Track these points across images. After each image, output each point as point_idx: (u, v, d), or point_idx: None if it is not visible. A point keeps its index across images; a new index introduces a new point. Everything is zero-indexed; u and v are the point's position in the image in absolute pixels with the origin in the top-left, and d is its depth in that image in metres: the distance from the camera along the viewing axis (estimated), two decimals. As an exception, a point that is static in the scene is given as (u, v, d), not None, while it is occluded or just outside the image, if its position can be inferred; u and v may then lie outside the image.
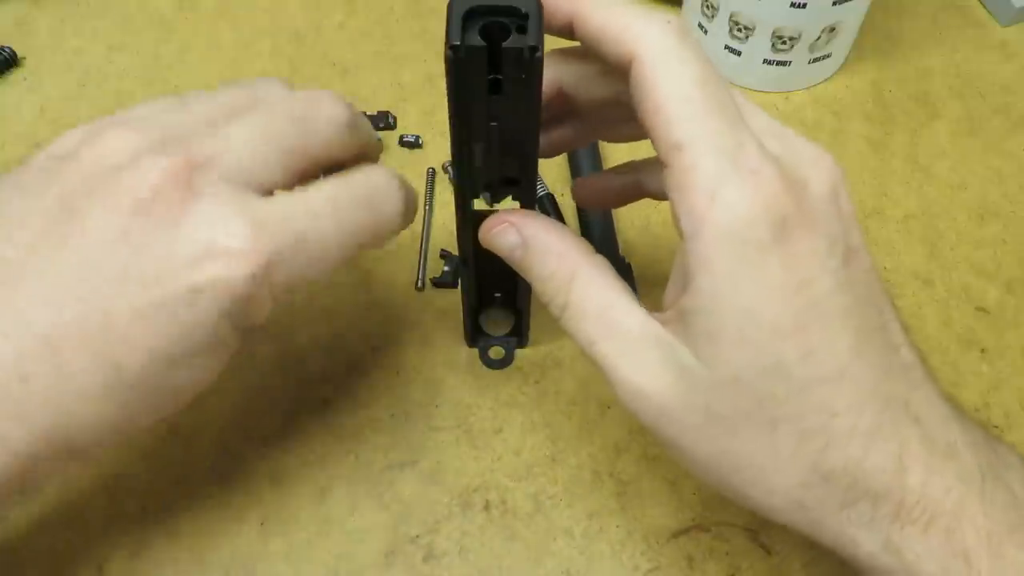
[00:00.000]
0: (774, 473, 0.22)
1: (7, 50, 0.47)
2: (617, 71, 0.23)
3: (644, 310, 0.24)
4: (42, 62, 0.47)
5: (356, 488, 0.34)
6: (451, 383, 0.36)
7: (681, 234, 0.22)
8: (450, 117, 0.24)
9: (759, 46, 0.44)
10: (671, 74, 0.21)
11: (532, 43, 0.21)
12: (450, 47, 0.21)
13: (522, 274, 0.26)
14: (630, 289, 0.25)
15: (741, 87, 0.46)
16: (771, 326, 0.21)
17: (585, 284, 0.24)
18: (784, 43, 0.43)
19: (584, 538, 0.32)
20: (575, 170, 0.42)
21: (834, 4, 0.41)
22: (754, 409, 0.22)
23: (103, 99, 0.46)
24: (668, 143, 0.21)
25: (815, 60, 0.45)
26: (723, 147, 0.21)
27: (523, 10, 0.22)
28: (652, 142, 0.22)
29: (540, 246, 0.25)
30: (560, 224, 0.26)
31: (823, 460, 0.22)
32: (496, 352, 0.37)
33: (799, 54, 0.44)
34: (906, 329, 0.24)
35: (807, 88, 0.47)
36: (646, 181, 0.30)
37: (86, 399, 0.22)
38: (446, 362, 0.37)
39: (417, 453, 0.34)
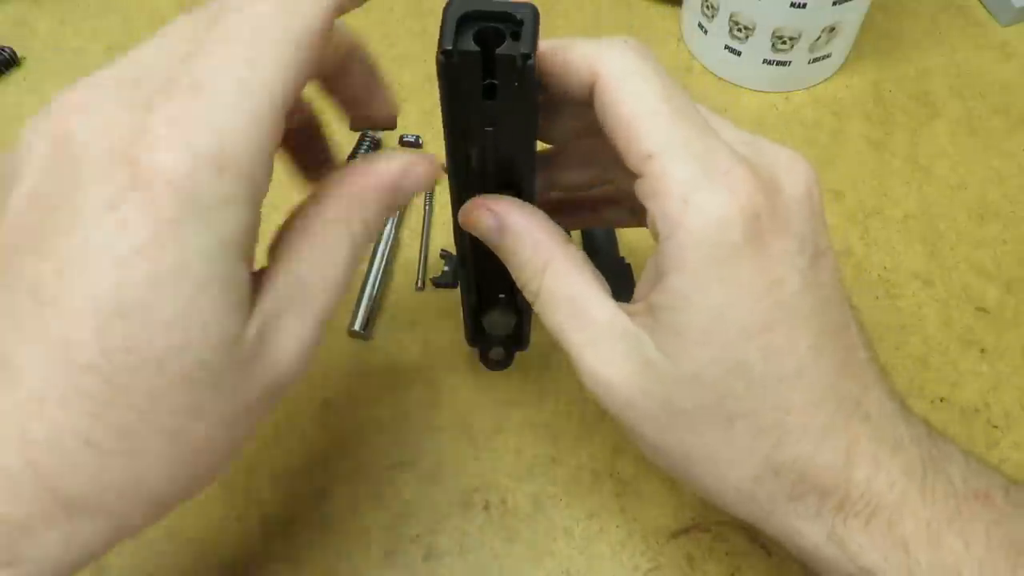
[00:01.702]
0: (728, 466, 0.23)
1: (7, 50, 0.47)
2: (582, 104, 0.23)
3: (614, 302, 0.24)
4: (42, 62, 0.47)
5: (356, 488, 0.34)
6: (451, 383, 0.36)
7: (656, 237, 0.22)
8: (444, 122, 0.24)
9: (759, 46, 0.44)
10: (634, 89, 0.22)
11: (525, 50, 0.21)
12: (442, 52, 0.21)
13: (500, 257, 0.26)
14: (603, 281, 0.25)
15: (741, 87, 0.46)
16: (738, 326, 0.22)
17: (557, 273, 0.25)
18: (784, 43, 0.43)
19: (584, 538, 0.33)
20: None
21: (834, 4, 0.41)
22: (713, 404, 0.22)
23: (103, 99, 0.46)
24: (639, 155, 0.22)
25: (815, 60, 0.45)
26: (693, 153, 0.22)
27: (518, 16, 0.21)
28: (624, 158, 0.23)
29: (516, 231, 0.25)
30: (539, 212, 0.26)
31: (775, 455, 0.23)
32: (496, 353, 0.37)
33: (799, 54, 0.44)
34: (863, 329, 0.25)
35: (807, 88, 0.47)
36: (602, 214, 0.31)
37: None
38: (446, 362, 0.37)
39: (417, 453, 0.34)
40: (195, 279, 0.18)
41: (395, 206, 0.24)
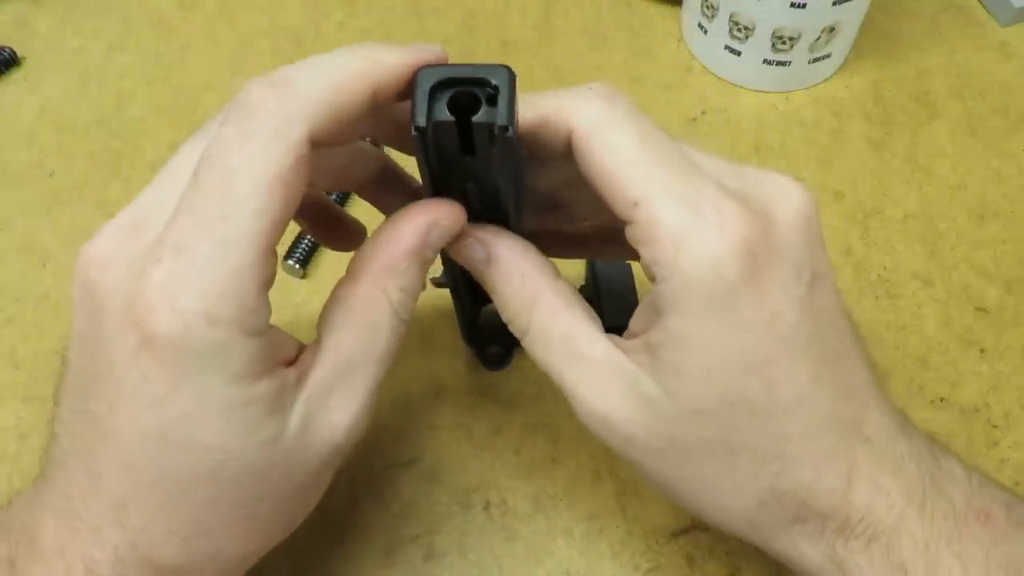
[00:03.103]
0: (731, 495, 0.23)
1: (7, 50, 0.47)
2: (564, 158, 0.23)
3: (607, 339, 0.24)
4: (42, 62, 0.47)
5: (356, 488, 0.34)
6: (451, 383, 0.36)
7: (652, 279, 0.22)
8: (423, 183, 0.23)
9: (759, 46, 0.44)
10: (608, 139, 0.22)
11: (503, 122, 0.20)
12: (415, 128, 0.20)
13: (486, 290, 0.26)
14: (594, 315, 0.25)
15: (741, 87, 0.46)
16: (739, 362, 0.22)
17: (547, 309, 0.24)
18: (784, 43, 0.43)
19: (584, 538, 0.33)
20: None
21: (834, 4, 0.41)
22: (716, 438, 0.22)
23: (103, 99, 0.46)
24: (625, 203, 0.22)
25: (815, 60, 0.45)
26: (678, 195, 0.21)
27: (493, 81, 0.20)
28: (611, 207, 0.22)
29: (504, 265, 0.25)
30: (528, 244, 0.25)
31: (778, 483, 0.23)
32: (495, 352, 0.37)
33: (799, 54, 0.44)
34: (864, 348, 0.25)
35: (807, 88, 0.47)
36: (596, 249, 0.31)
37: None
38: (446, 362, 0.37)
39: (417, 453, 0.34)
40: (218, 410, 0.20)
41: (430, 262, 0.25)
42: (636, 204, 0.22)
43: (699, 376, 0.22)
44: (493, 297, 0.26)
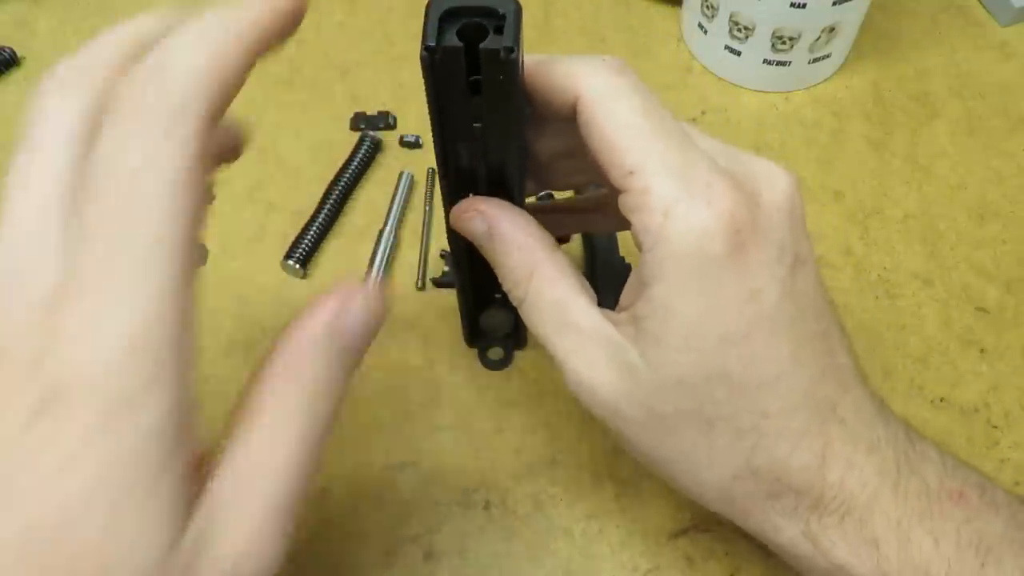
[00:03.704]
0: (708, 467, 0.24)
1: (7, 50, 0.47)
2: (567, 121, 0.24)
3: (598, 310, 0.25)
4: (42, 62, 0.47)
5: (356, 488, 0.34)
6: (451, 383, 0.36)
7: (640, 248, 0.23)
8: (431, 120, 0.24)
9: (759, 46, 0.44)
10: (613, 108, 0.23)
11: (508, 44, 0.21)
12: (425, 48, 0.22)
13: (488, 261, 0.27)
14: (589, 288, 0.26)
15: (741, 87, 0.46)
16: (718, 335, 0.22)
17: (543, 280, 0.25)
18: (784, 43, 0.43)
19: (584, 538, 0.33)
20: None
21: (834, 4, 0.41)
22: (694, 410, 0.23)
23: (103, 99, 0.46)
24: (621, 171, 0.23)
25: (815, 60, 0.45)
26: (673, 167, 0.22)
27: (500, 11, 0.22)
28: (607, 173, 0.23)
29: (504, 237, 0.26)
30: (528, 216, 0.26)
31: (753, 457, 0.24)
32: (495, 353, 0.37)
33: (799, 54, 0.44)
34: (844, 333, 0.25)
35: (807, 88, 0.47)
36: (592, 221, 0.31)
37: None
38: (446, 362, 0.37)
39: (417, 453, 0.34)
40: (119, 487, 0.17)
41: (350, 352, 0.21)
42: (632, 173, 0.22)
43: (678, 345, 0.22)
44: (495, 268, 0.26)
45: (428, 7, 0.22)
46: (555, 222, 0.28)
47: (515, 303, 0.26)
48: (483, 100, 0.23)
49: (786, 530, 0.24)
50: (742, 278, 0.22)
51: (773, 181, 0.24)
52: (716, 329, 0.22)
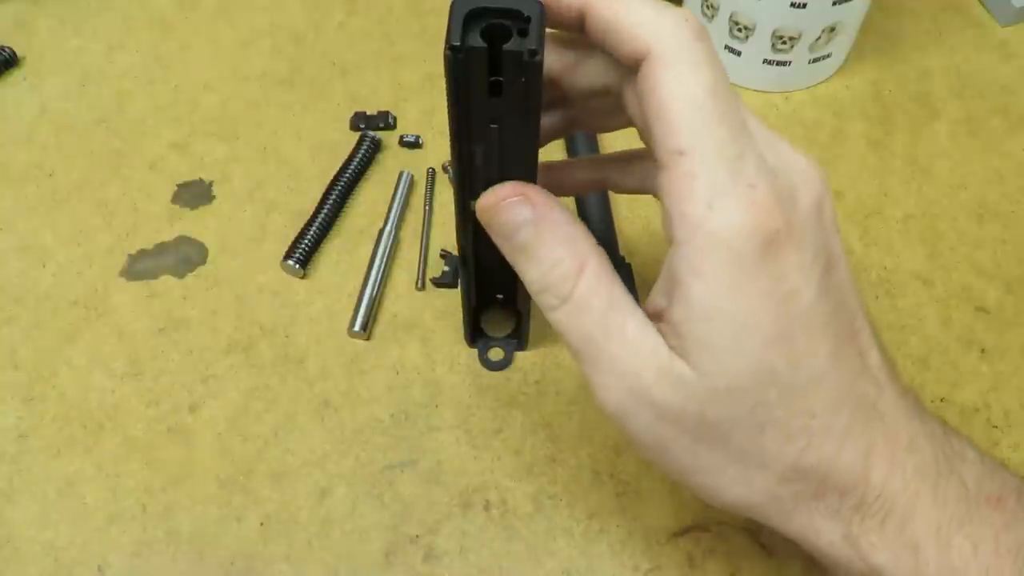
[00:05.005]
0: (757, 471, 0.23)
1: (7, 50, 0.47)
2: (620, 64, 0.23)
3: (644, 313, 0.23)
4: (42, 62, 0.47)
5: (356, 488, 0.34)
6: (451, 383, 0.36)
7: (671, 238, 0.22)
8: (450, 118, 0.24)
9: (759, 46, 0.44)
10: (683, 77, 0.21)
11: (532, 46, 0.21)
12: (449, 48, 0.21)
13: (520, 256, 0.24)
14: (629, 288, 0.25)
15: (741, 87, 0.46)
16: (762, 335, 0.22)
17: (593, 277, 0.23)
18: (784, 43, 0.43)
19: (584, 538, 0.32)
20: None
21: (834, 4, 0.41)
22: (745, 414, 0.22)
23: (103, 99, 0.46)
24: (669, 147, 0.21)
25: (815, 60, 0.45)
26: (725, 158, 0.21)
27: (525, 13, 0.21)
28: (649, 140, 0.22)
29: (552, 227, 0.23)
30: (567, 210, 0.24)
31: (803, 458, 0.23)
32: (496, 353, 0.37)
33: (799, 54, 0.44)
34: (875, 331, 0.25)
35: (807, 88, 0.47)
36: (614, 179, 0.29)
37: None
38: (446, 362, 0.37)
39: (417, 453, 0.34)
40: None
41: None
42: (681, 153, 0.21)
43: (728, 347, 0.22)
44: (530, 263, 0.24)
45: (452, 6, 0.22)
46: (565, 177, 0.27)
47: (550, 302, 0.24)
48: (503, 101, 0.23)
49: (827, 533, 0.24)
50: (778, 280, 0.21)
51: (810, 181, 0.23)
52: (760, 329, 0.21)
